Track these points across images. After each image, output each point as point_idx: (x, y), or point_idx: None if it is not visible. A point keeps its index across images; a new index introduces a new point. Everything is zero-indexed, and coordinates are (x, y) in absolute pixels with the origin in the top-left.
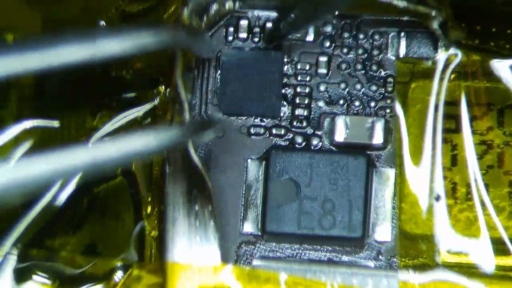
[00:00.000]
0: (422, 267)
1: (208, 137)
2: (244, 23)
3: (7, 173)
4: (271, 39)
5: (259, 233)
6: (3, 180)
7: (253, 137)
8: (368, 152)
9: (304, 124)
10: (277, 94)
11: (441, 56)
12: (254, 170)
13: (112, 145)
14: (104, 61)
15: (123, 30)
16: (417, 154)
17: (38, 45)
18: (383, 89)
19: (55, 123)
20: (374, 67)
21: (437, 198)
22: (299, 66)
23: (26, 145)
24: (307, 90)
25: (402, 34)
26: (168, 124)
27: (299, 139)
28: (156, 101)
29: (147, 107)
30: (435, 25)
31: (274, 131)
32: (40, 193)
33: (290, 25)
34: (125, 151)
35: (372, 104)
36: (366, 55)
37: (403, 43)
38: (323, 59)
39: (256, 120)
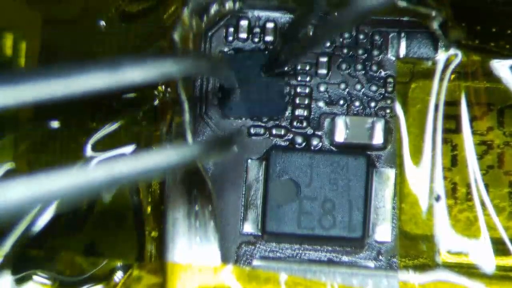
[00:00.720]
0: (422, 267)
1: (230, 154)
2: (244, 23)
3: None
4: (270, 68)
5: (259, 233)
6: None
7: (253, 137)
8: (368, 152)
9: (304, 124)
10: (279, 95)
11: (441, 56)
12: (254, 170)
13: (132, 162)
14: (127, 89)
15: (146, 59)
16: (417, 154)
17: (62, 72)
18: (383, 89)
19: (55, 123)
20: (374, 67)
21: (437, 198)
22: (299, 66)
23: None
24: (307, 90)
25: (402, 34)
26: (190, 142)
27: (299, 140)
28: (156, 102)
29: (147, 107)
30: (435, 25)
31: (274, 131)
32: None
33: (290, 54)
34: (146, 168)
35: (372, 104)
36: (366, 55)
37: (403, 43)
38: (323, 59)
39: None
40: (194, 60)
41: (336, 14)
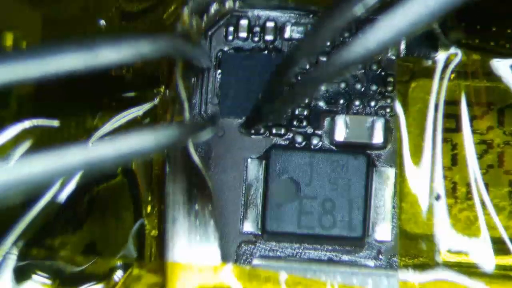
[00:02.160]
0: (422, 267)
1: (206, 136)
2: (244, 22)
3: (5, 173)
4: (250, 125)
5: (259, 233)
6: (1, 180)
7: (253, 136)
8: (368, 152)
9: (304, 123)
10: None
11: (441, 55)
12: (254, 169)
13: (111, 145)
14: (101, 69)
15: (121, 38)
16: (417, 154)
17: (36, 53)
18: (383, 89)
19: (55, 123)
20: (374, 67)
21: (437, 198)
22: None
23: (25, 146)
24: None
25: None
26: (167, 123)
27: (299, 139)
28: (156, 101)
29: (147, 106)
30: (435, 24)
31: (274, 130)
32: (39, 193)
33: (270, 112)
34: (124, 150)
35: (372, 103)
36: None
37: (403, 42)
38: (323, 58)
39: None
40: (170, 39)
41: (317, 69)
